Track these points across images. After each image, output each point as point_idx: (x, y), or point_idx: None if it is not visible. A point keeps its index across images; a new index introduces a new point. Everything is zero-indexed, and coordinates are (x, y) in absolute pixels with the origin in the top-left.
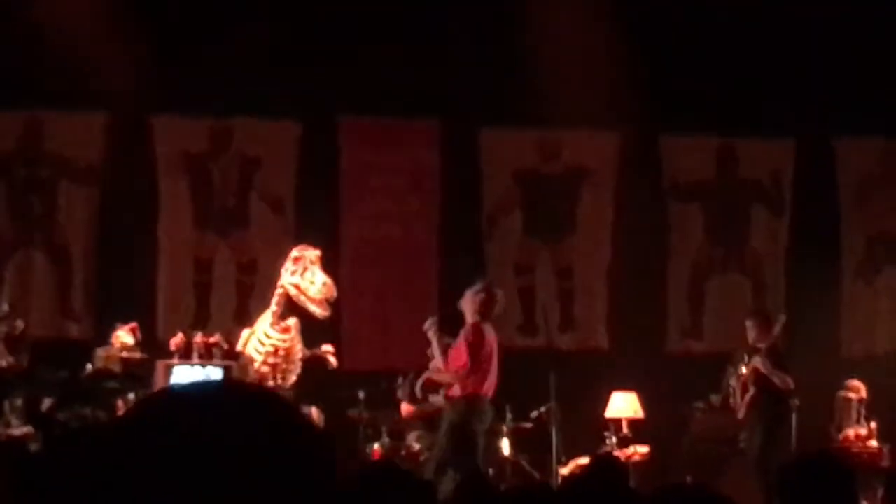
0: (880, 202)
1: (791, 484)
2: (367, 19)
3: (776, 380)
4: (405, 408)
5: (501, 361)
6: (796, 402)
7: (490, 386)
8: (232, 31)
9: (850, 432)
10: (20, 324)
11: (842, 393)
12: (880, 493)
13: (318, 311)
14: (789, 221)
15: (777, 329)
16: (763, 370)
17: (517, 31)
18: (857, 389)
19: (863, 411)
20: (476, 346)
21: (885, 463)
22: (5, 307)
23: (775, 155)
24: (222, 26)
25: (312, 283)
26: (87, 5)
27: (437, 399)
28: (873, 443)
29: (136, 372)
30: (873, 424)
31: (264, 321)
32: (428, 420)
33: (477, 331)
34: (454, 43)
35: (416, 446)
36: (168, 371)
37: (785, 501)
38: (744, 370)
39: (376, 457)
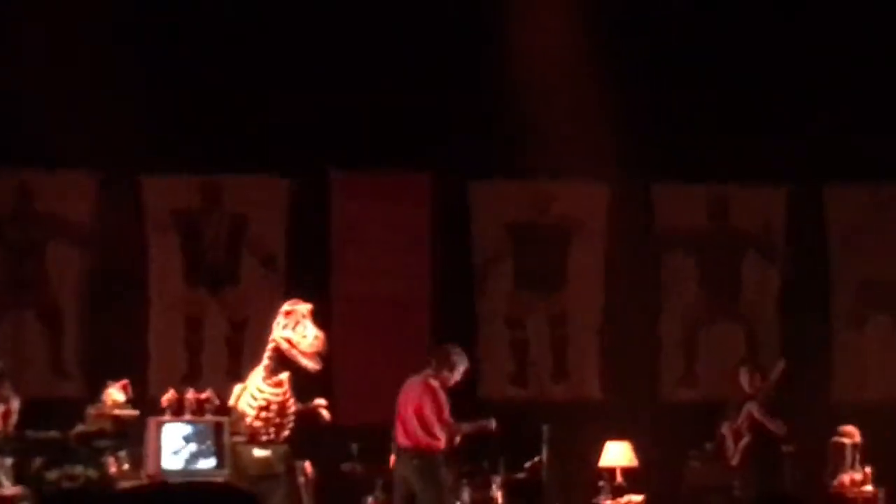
0: (869, 249)
1: None
2: (355, 74)
3: (769, 426)
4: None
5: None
6: (790, 448)
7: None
8: (220, 89)
9: (846, 478)
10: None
11: (836, 438)
12: None
13: (311, 364)
14: (781, 269)
15: (775, 375)
16: (757, 416)
17: (506, 84)
18: (851, 435)
19: (857, 456)
20: None
21: None
22: None
23: (767, 203)
24: (210, 85)
25: (304, 336)
26: (76, 65)
27: None
28: (868, 487)
29: (127, 429)
30: (868, 469)
31: (256, 376)
32: None
33: None
34: (443, 97)
35: None
36: (159, 428)
37: None
38: (739, 419)
39: None
